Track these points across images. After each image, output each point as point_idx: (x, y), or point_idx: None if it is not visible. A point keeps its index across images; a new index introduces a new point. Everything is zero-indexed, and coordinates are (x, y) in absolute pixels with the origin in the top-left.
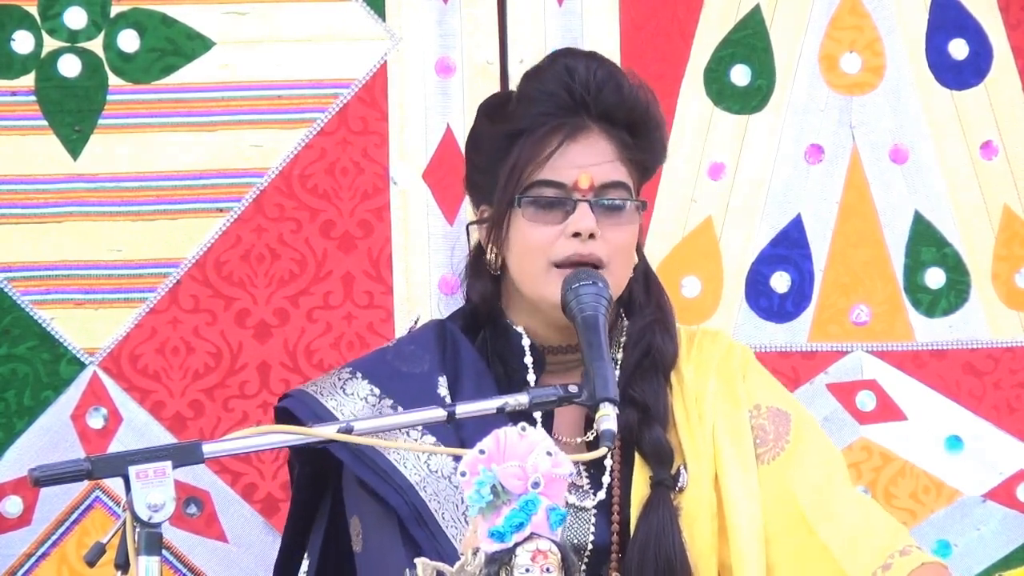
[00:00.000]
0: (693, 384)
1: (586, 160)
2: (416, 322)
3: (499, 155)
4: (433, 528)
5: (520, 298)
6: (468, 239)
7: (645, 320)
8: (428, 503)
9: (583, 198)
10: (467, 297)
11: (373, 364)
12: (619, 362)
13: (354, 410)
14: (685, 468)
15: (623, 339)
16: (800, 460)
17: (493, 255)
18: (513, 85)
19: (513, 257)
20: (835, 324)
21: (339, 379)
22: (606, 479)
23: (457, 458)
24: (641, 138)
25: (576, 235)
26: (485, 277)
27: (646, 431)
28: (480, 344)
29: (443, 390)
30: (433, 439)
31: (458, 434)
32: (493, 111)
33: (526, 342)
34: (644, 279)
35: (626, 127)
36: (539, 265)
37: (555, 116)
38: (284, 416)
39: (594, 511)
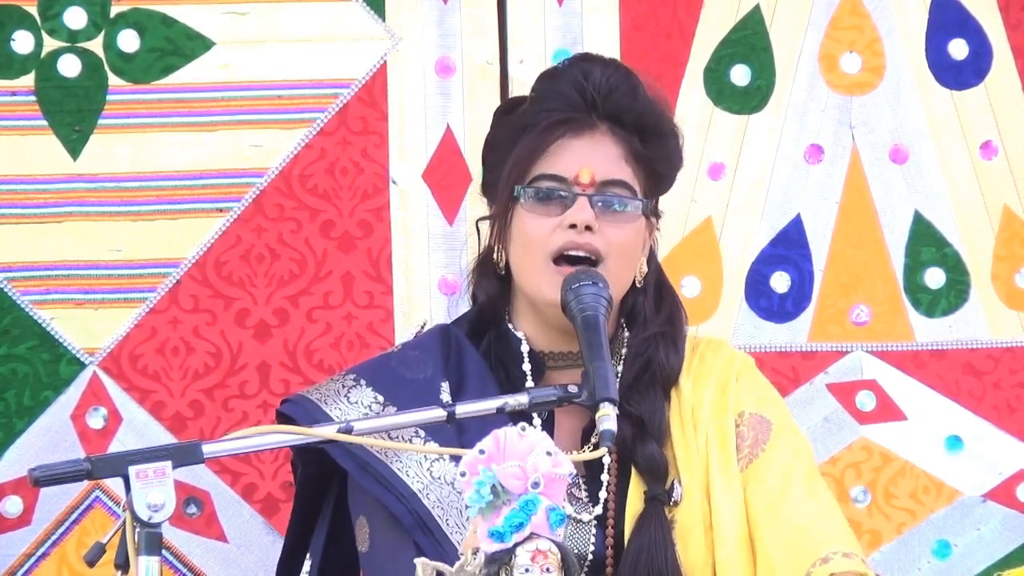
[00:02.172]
0: (691, 396)
1: (589, 156)
2: (423, 327)
3: (507, 151)
4: (438, 535)
5: (523, 300)
6: (479, 237)
7: (649, 332)
8: (432, 510)
9: (583, 192)
10: (473, 296)
11: (377, 370)
12: (618, 375)
13: (356, 419)
14: (679, 482)
15: (623, 351)
16: (764, 468)
17: (499, 253)
18: (513, 85)
19: (514, 251)
20: (835, 324)
21: (343, 386)
22: (603, 493)
23: (459, 461)
24: (652, 144)
25: (572, 227)
26: (492, 276)
27: (640, 446)
28: (485, 349)
29: (446, 395)
30: (435, 444)
31: (460, 439)
32: (507, 111)
33: (525, 348)
34: (656, 291)
35: (636, 131)
36: (537, 259)
37: (562, 112)
38: (285, 421)
39: (593, 523)
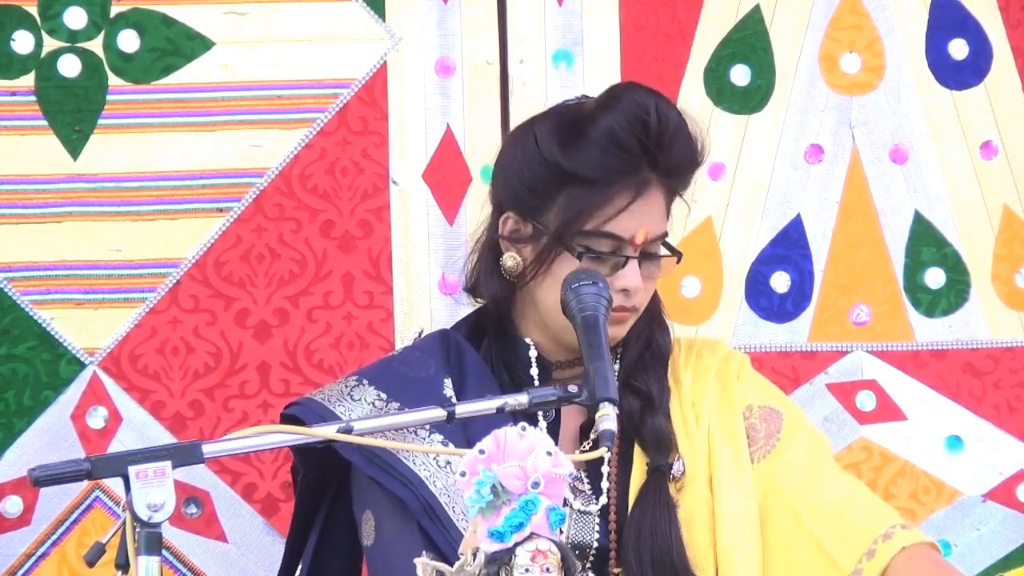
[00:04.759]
0: (691, 390)
1: (645, 217)
2: (420, 333)
3: (553, 186)
4: (445, 521)
5: (534, 312)
6: (496, 223)
7: (643, 320)
8: (439, 496)
9: (634, 255)
10: (473, 289)
11: (379, 371)
12: (619, 355)
13: (362, 415)
14: (681, 460)
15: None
16: (788, 456)
17: (515, 263)
18: (513, 85)
19: (549, 292)
20: (835, 324)
21: (346, 386)
22: (605, 484)
23: None
24: (686, 183)
25: (623, 290)
26: (499, 277)
27: (648, 418)
28: (484, 352)
29: (449, 391)
30: (441, 437)
31: (465, 434)
32: (564, 136)
33: (533, 353)
34: None
35: (679, 176)
36: None
37: (625, 174)
38: (290, 423)
39: (597, 513)
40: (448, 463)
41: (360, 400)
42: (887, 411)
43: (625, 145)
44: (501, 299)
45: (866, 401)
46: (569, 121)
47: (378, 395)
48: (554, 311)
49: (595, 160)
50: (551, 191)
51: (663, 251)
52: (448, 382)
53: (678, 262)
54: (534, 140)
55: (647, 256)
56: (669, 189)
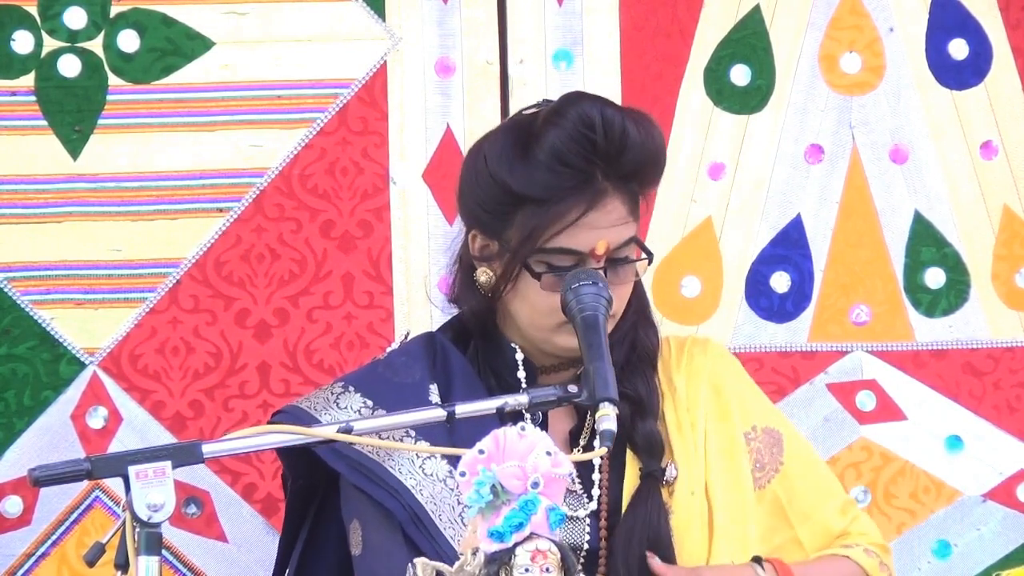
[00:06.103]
0: (685, 394)
1: (603, 227)
2: (407, 336)
3: (508, 205)
4: (432, 530)
5: (514, 323)
6: (468, 243)
7: (629, 320)
8: (425, 505)
9: (598, 265)
10: (455, 301)
11: (364, 377)
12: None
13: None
14: (674, 464)
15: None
16: (792, 482)
17: (488, 279)
18: (513, 85)
19: (520, 307)
20: (835, 324)
21: (332, 394)
22: (596, 490)
23: (452, 461)
24: (650, 184)
25: None
26: (476, 292)
27: (639, 423)
28: (471, 355)
29: (435, 397)
30: (426, 444)
31: (451, 439)
32: (512, 156)
33: (519, 356)
34: None
35: (638, 180)
36: (550, 323)
37: (576, 190)
38: None
39: (588, 517)
40: (434, 473)
41: (346, 408)
42: (887, 411)
43: (571, 163)
44: (480, 312)
45: (866, 401)
46: (516, 139)
47: (364, 402)
48: (528, 325)
49: (542, 180)
50: (507, 210)
51: (641, 254)
52: (434, 387)
53: (649, 263)
54: (484, 161)
55: (616, 262)
56: (630, 193)
